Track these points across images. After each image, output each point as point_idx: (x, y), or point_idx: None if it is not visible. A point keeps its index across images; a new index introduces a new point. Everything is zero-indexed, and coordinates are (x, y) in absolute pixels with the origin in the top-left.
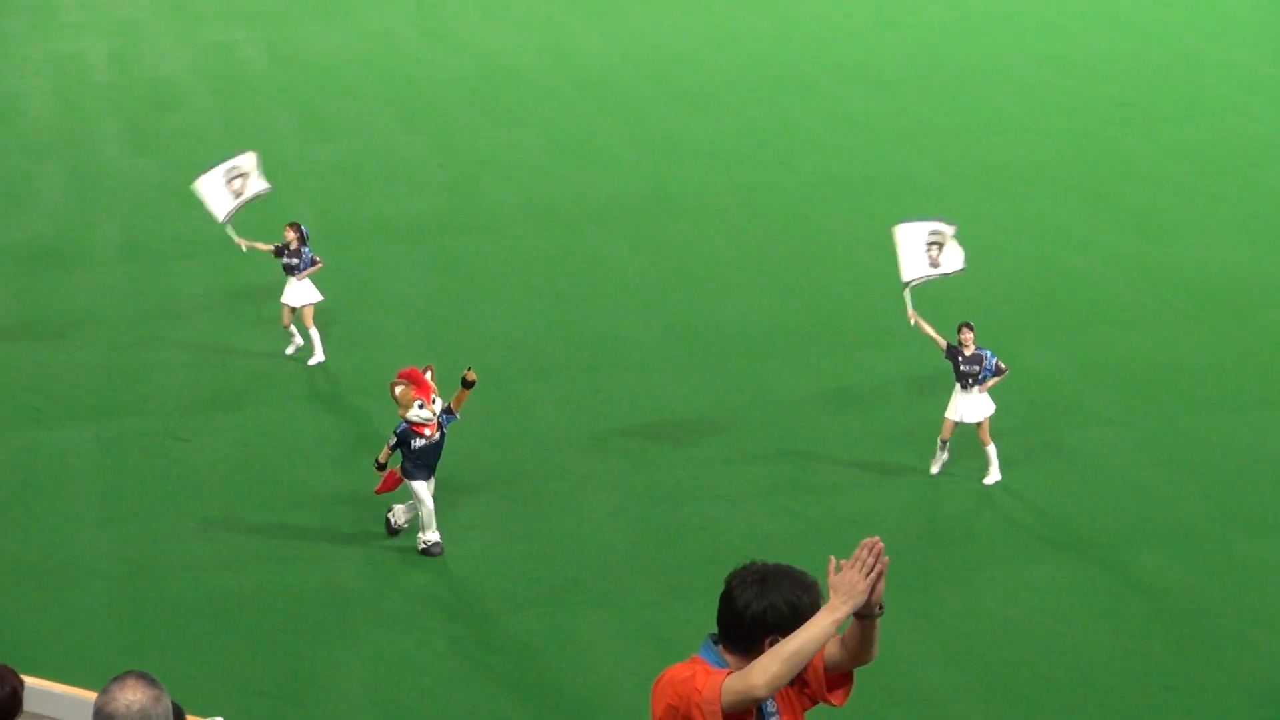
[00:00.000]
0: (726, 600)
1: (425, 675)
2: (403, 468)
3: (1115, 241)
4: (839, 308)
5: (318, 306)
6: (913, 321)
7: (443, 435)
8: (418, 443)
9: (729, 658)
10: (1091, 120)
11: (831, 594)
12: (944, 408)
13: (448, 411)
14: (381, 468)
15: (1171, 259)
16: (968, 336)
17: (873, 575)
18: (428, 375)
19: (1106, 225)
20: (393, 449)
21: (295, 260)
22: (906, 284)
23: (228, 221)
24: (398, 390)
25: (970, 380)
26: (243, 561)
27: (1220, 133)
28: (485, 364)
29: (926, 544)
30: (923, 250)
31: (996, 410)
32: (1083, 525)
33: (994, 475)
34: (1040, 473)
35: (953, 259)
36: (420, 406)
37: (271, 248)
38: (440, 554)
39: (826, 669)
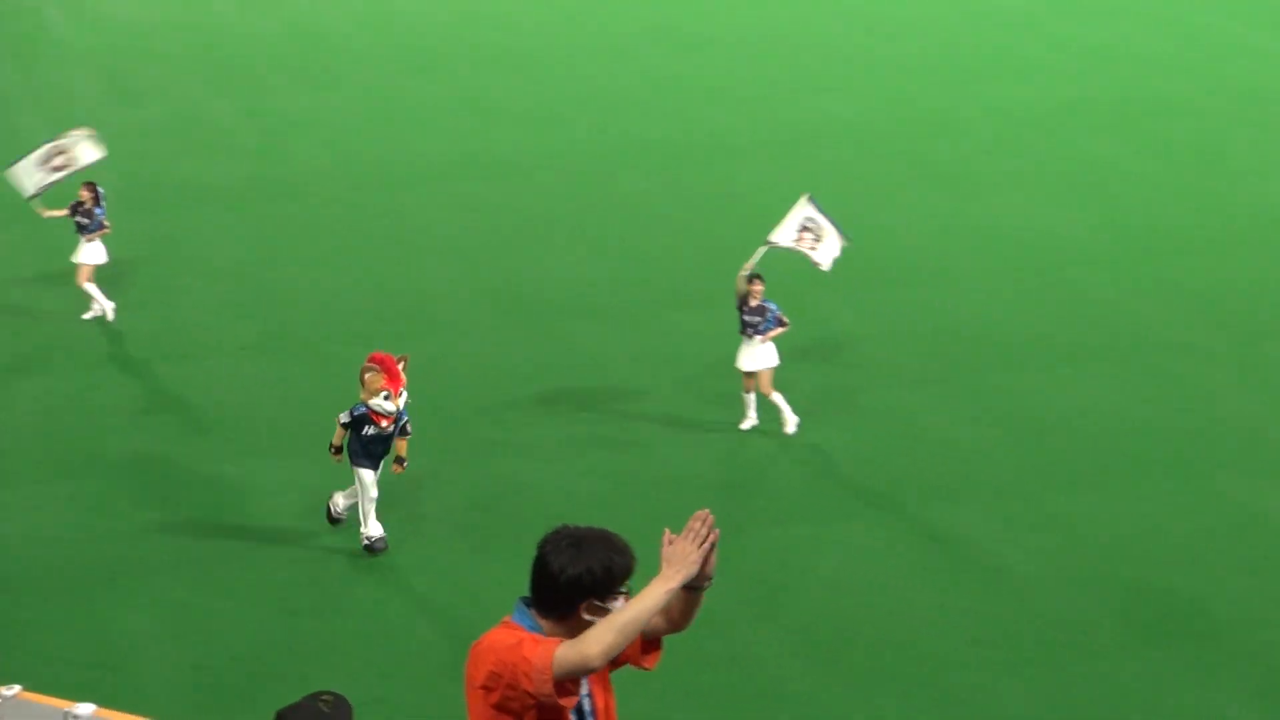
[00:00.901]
0: (540, 565)
1: (227, 629)
2: (350, 451)
3: (924, 199)
4: (651, 268)
5: (118, 267)
6: (744, 272)
7: (395, 429)
8: (370, 430)
9: (543, 622)
10: (901, 78)
11: (664, 565)
12: None
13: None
14: (338, 451)
15: (980, 217)
16: (757, 288)
17: (705, 546)
18: (400, 366)
19: (915, 183)
20: (344, 428)
21: (87, 220)
22: (766, 243)
23: (37, 195)
24: (367, 375)
25: (752, 330)
26: (50, 528)
27: (1029, 92)
28: (298, 326)
29: (735, 501)
30: (797, 228)
31: (806, 367)
32: (892, 482)
33: (791, 422)
34: (850, 430)
35: (823, 254)
36: (385, 398)
37: (66, 209)
38: (385, 549)
39: (643, 635)
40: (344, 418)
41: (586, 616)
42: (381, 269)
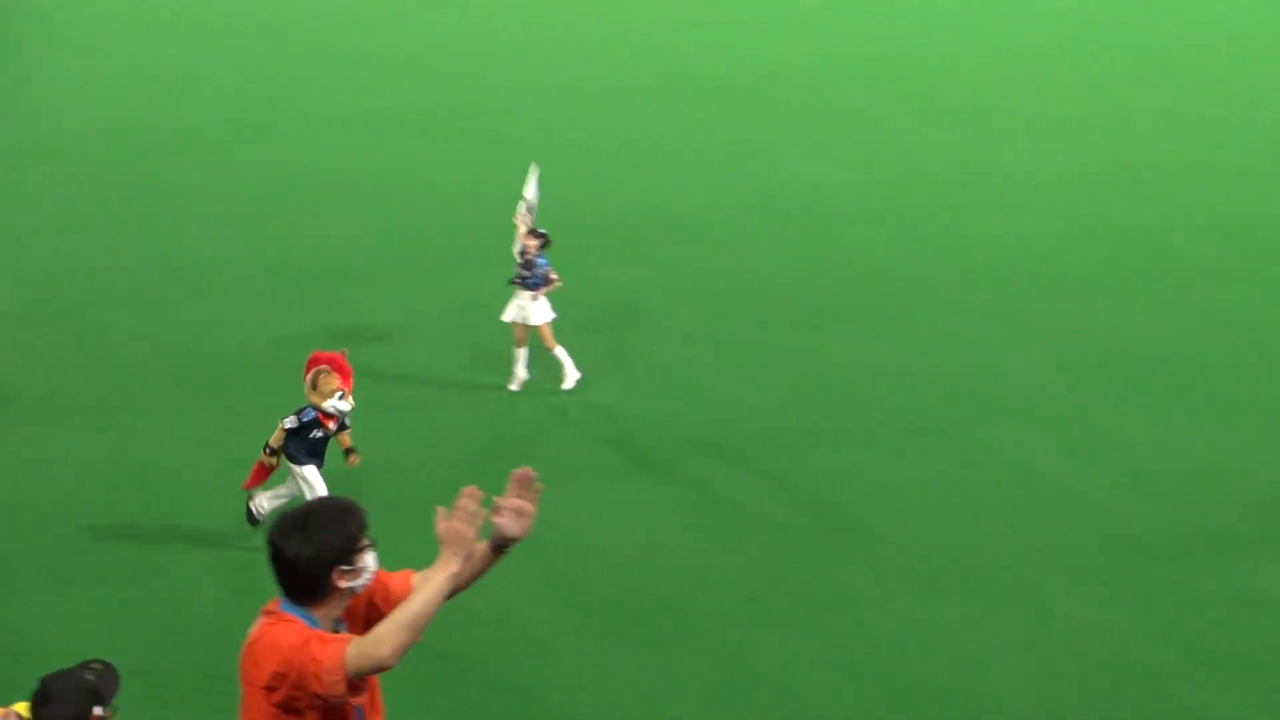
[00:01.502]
0: (277, 558)
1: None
2: (290, 453)
3: (694, 158)
4: (423, 229)
5: None
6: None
7: (338, 426)
8: (318, 434)
9: (313, 611)
10: (668, 40)
11: (442, 547)
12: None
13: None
14: (274, 454)
15: (754, 175)
16: (532, 244)
17: (478, 523)
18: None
19: (685, 142)
20: (288, 433)
21: None
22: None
23: None
24: (320, 377)
25: (520, 284)
26: None
27: (799, 51)
28: (63, 294)
29: (509, 462)
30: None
31: (583, 326)
32: (665, 441)
33: (571, 378)
34: (623, 389)
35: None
36: (340, 398)
37: None
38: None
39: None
40: (290, 423)
41: (342, 584)
42: (150, 235)
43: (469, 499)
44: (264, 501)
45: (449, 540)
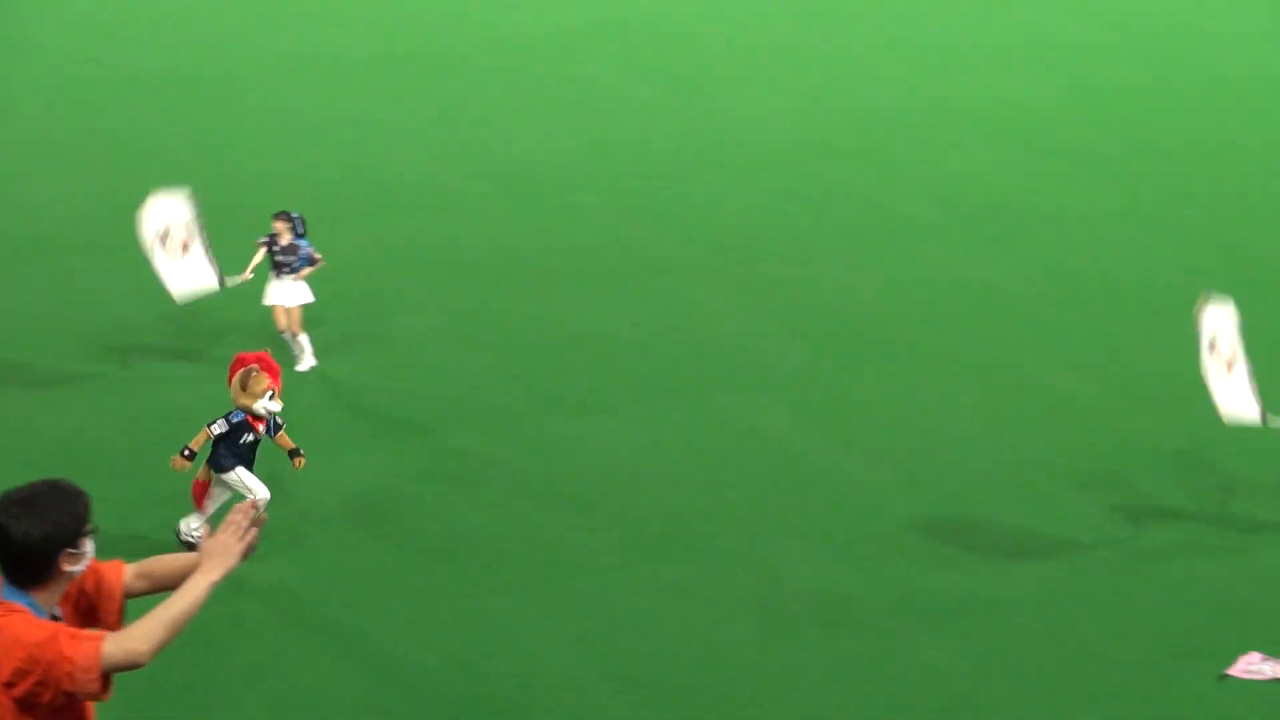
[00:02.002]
0: (3, 541)
1: None
2: (217, 461)
3: (424, 128)
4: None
5: None
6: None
7: (269, 429)
8: (249, 437)
9: (36, 595)
10: (393, 9)
11: (205, 558)
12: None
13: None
14: (190, 456)
15: (477, 143)
16: (280, 225)
17: (248, 539)
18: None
19: (415, 113)
20: (213, 438)
21: None
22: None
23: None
24: (250, 377)
25: (285, 269)
26: None
27: (524, 20)
28: None
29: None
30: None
31: (317, 299)
32: (400, 410)
33: (307, 362)
34: (356, 360)
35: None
36: (271, 398)
37: None
38: None
39: (127, 595)
40: (219, 427)
41: (66, 568)
42: None
43: (240, 514)
44: (194, 524)
45: (213, 553)
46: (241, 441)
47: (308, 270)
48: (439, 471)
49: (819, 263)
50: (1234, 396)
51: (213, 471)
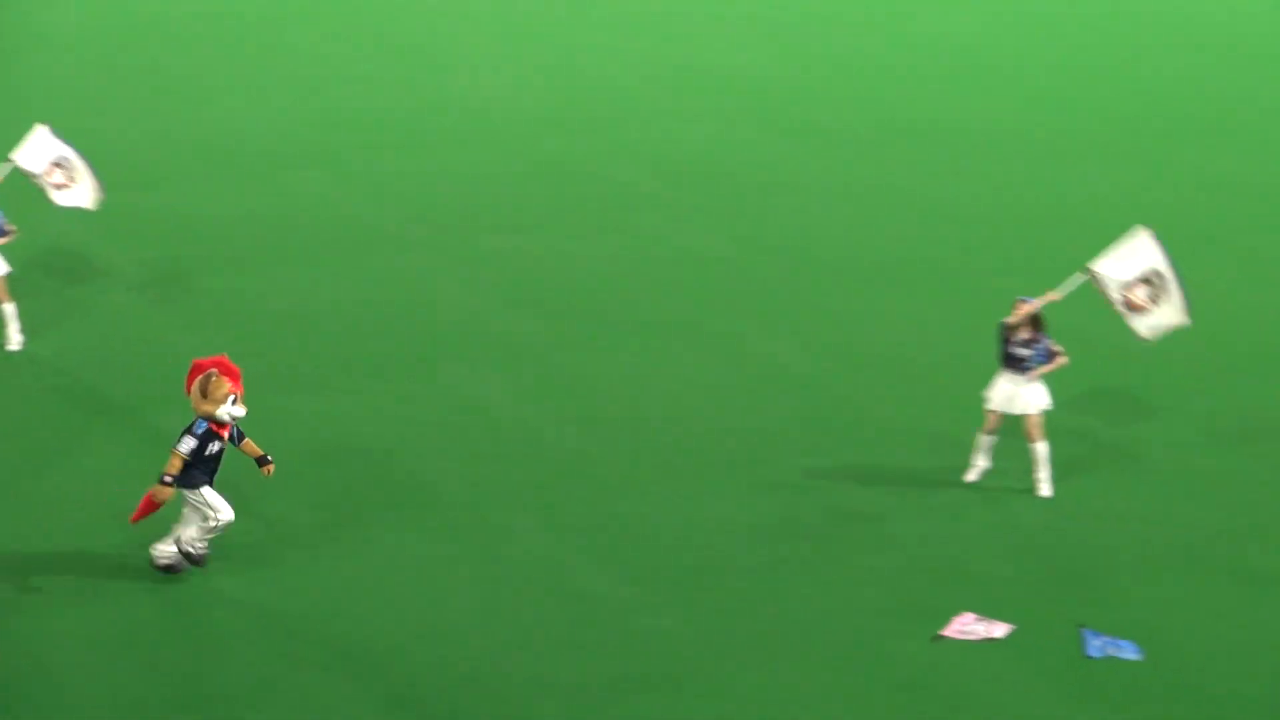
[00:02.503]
0: None
1: None
2: (187, 477)
3: (135, 103)
4: None
5: None
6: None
7: (233, 435)
8: (215, 447)
9: None
10: None
11: None
12: None
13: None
14: (173, 483)
15: (194, 118)
16: None
17: None
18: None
19: (126, 86)
20: (188, 457)
21: None
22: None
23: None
24: (210, 382)
25: None
26: None
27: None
28: None
29: None
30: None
31: (19, 278)
32: (117, 392)
33: (15, 339)
34: (69, 339)
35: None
36: (234, 402)
37: None
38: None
39: None
40: (187, 445)
41: None
42: None
43: None
44: (164, 548)
45: None
46: (208, 453)
47: (1, 240)
48: (155, 450)
49: (540, 234)
50: (1163, 316)
51: (181, 491)
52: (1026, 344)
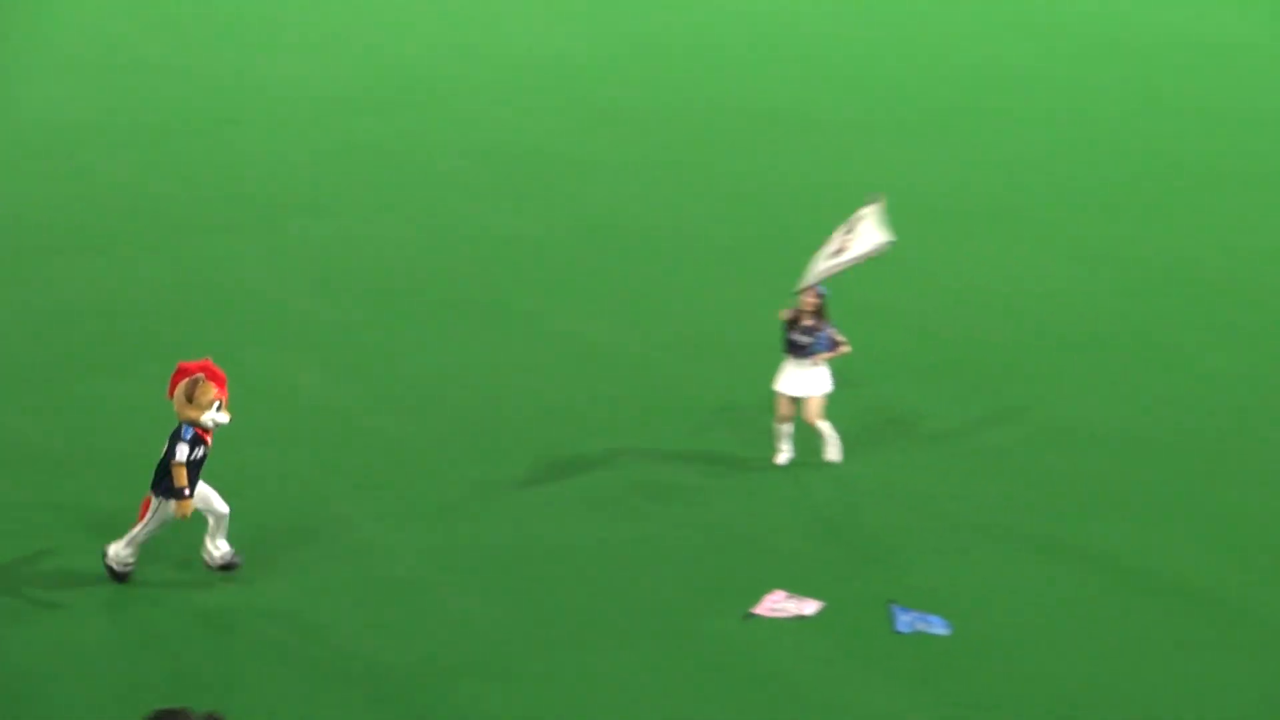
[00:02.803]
0: None
1: None
2: (163, 489)
3: None
4: None
5: None
6: None
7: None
8: (199, 453)
9: None
10: None
11: None
12: None
13: None
14: (189, 495)
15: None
16: None
17: None
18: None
19: None
20: (187, 464)
21: None
22: None
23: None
24: (196, 387)
25: None
26: None
27: None
28: None
29: None
30: None
31: None
32: None
33: None
34: None
35: None
36: (219, 409)
37: None
38: (240, 564)
39: None
40: (184, 453)
41: None
42: None
43: None
44: (122, 551)
45: None
46: (192, 460)
47: None
48: None
49: (346, 217)
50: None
51: (158, 497)
52: (808, 331)
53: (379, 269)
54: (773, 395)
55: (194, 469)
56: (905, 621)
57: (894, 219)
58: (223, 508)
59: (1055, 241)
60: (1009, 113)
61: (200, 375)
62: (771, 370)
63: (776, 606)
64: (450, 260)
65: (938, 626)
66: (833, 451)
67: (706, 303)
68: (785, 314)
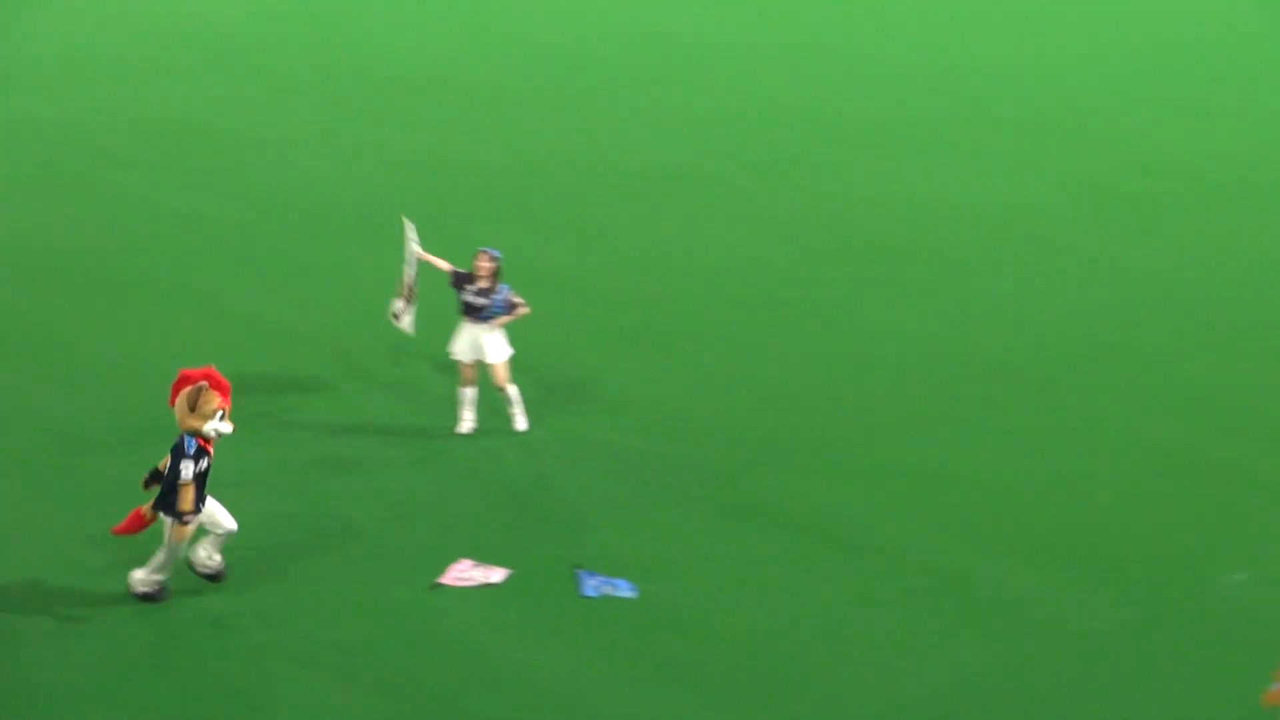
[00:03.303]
0: None
1: None
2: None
3: None
4: None
5: None
6: None
7: None
8: (204, 464)
9: None
10: None
11: None
12: None
13: None
14: (196, 512)
15: None
16: None
17: None
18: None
19: None
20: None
21: None
22: None
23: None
24: (200, 396)
25: None
26: None
27: None
28: None
29: None
30: None
31: None
32: None
33: None
34: None
35: None
36: (221, 418)
37: None
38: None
39: None
40: (190, 470)
41: None
42: None
43: None
44: (142, 578)
45: None
46: (197, 471)
47: None
48: None
49: (14, 200)
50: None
51: (161, 514)
52: (483, 293)
53: (49, 249)
54: (454, 363)
55: (199, 481)
56: (592, 586)
57: (565, 186)
58: (230, 524)
59: (733, 206)
60: (680, 79)
61: (204, 383)
62: (441, 341)
63: (463, 575)
64: (127, 239)
65: (624, 590)
66: (519, 418)
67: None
68: (441, 264)
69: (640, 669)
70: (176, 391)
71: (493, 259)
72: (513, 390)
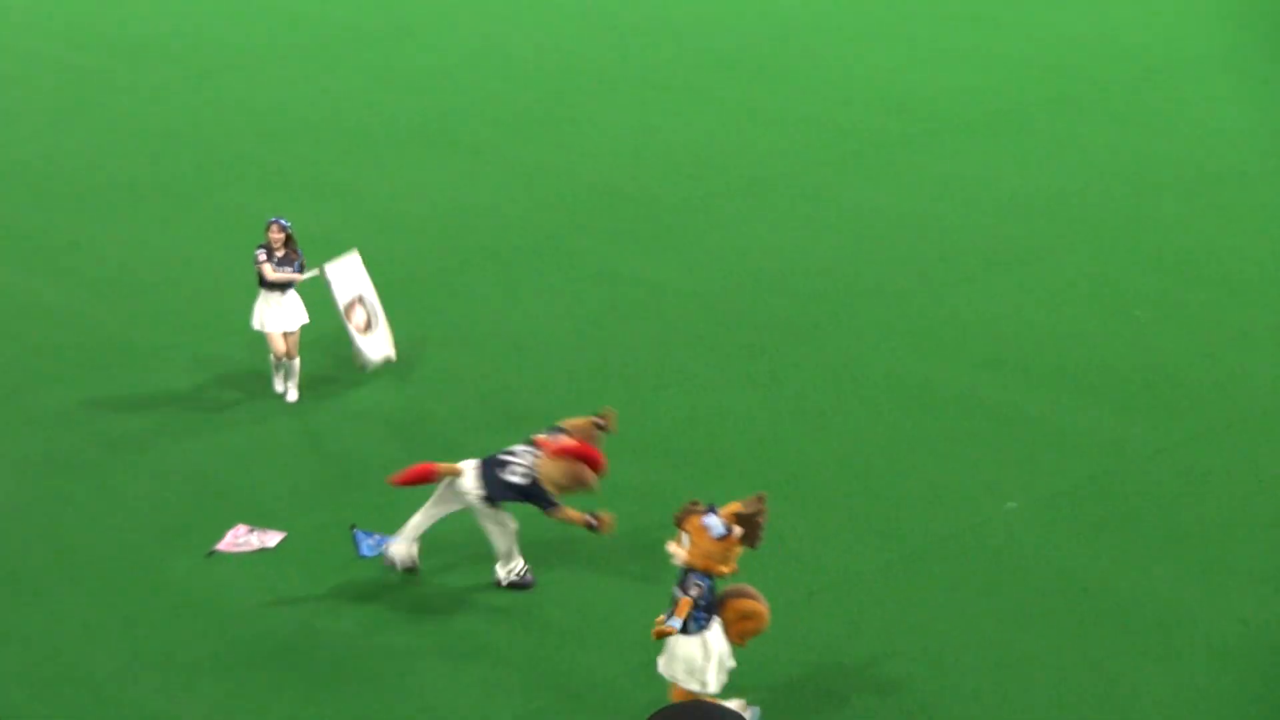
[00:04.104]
0: None
1: None
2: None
3: None
4: None
5: None
6: None
7: None
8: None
9: None
10: None
11: None
12: None
13: None
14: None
15: None
16: None
17: None
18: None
19: None
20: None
21: None
22: None
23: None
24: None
25: None
26: None
27: None
28: None
29: None
30: None
31: None
32: None
33: None
34: None
35: None
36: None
37: None
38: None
39: None
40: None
41: None
42: None
43: None
44: (401, 551)
45: None
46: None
47: None
48: None
49: None
50: (375, 344)
51: (486, 504)
52: (285, 261)
53: None
54: (227, 334)
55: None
56: (369, 545)
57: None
58: (508, 523)
59: (476, 159)
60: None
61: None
62: (220, 310)
63: (239, 541)
64: None
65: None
66: (293, 390)
67: (147, 247)
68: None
69: (419, 623)
70: (569, 457)
71: (282, 228)
72: (295, 363)
